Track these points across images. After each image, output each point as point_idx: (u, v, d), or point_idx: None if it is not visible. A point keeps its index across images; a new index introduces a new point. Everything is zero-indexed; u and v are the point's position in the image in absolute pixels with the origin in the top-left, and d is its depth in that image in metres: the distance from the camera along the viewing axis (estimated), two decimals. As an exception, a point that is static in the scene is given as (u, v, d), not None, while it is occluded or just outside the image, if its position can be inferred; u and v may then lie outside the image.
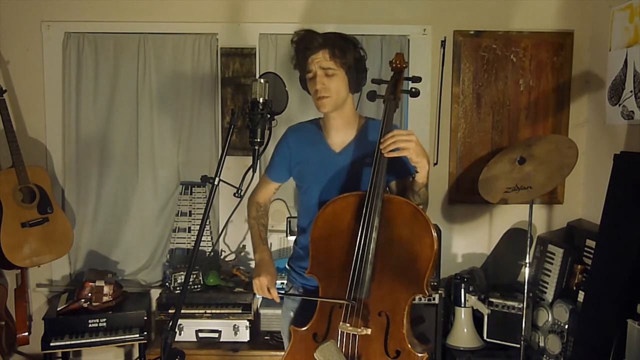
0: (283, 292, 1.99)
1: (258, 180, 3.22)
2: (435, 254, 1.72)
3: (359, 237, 1.74)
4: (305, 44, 1.89)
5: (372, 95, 1.85)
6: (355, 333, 1.74)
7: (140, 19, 3.17)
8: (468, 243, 3.31)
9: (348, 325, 1.74)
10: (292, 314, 2.07)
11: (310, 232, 1.87)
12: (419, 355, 1.71)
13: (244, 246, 3.30)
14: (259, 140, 1.86)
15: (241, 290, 3.04)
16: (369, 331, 1.74)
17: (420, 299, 2.83)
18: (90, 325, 2.91)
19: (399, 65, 1.88)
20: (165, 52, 3.19)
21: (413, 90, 1.83)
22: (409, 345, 1.72)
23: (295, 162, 2.04)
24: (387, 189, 1.95)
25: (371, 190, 1.74)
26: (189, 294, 2.99)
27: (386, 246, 1.75)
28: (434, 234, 1.72)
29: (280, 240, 3.28)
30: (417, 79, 1.85)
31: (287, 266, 2.17)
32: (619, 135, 2.84)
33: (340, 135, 1.98)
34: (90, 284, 2.94)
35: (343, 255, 1.80)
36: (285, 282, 2.87)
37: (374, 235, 1.73)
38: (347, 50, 1.87)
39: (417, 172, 1.77)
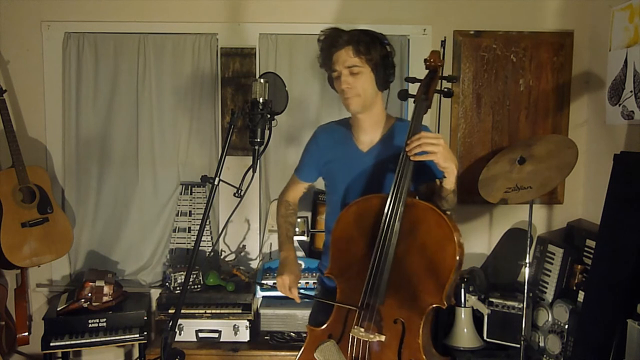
0: (304, 294, 1.97)
1: (258, 180, 3.25)
2: (457, 264, 1.64)
3: (377, 240, 1.69)
4: (330, 41, 1.86)
5: (403, 95, 1.77)
6: (367, 339, 1.71)
7: (140, 19, 3.17)
8: (468, 243, 3.30)
9: (361, 330, 1.71)
10: (316, 309, 2.09)
11: (332, 232, 1.86)
12: None
13: (244, 246, 3.30)
14: (259, 140, 1.86)
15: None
16: (382, 338, 1.70)
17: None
18: (90, 325, 2.91)
19: (433, 63, 1.78)
20: (165, 52, 3.19)
21: (446, 90, 1.76)
22: (424, 356, 1.66)
23: (323, 161, 2.03)
24: (417, 192, 1.90)
25: (394, 194, 1.68)
26: (189, 294, 2.99)
27: (406, 252, 1.69)
28: (457, 243, 1.65)
29: (280, 240, 3.28)
30: (453, 79, 1.79)
31: (318, 266, 2.18)
32: (619, 135, 2.84)
33: (369, 135, 1.95)
34: (90, 284, 2.94)
35: (362, 258, 1.75)
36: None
37: (394, 240, 1.67)
38: (372, 46, 1.82)
39: (444, 177, 1.71)
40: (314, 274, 2.99)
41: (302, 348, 1.88)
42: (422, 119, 1.75)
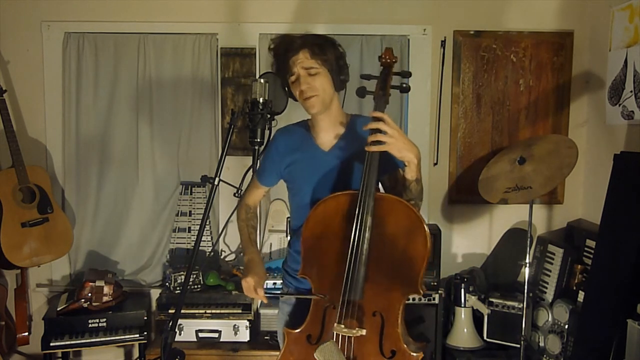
0: (270, 293, 1.97)
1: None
2: (429, 253, 1.69)
3: (352, 237, 1.71)
4: (285, 46, 1.87)
5: (361, 92, 1.79)
6: (350, 335, 1.72)
7: (140, 19, 3.17)
8: (468, 243, 3.31)
9: (342, 326, 1.72)
10: (288, 317, 2.05)
11: (302, 232, 1.85)
12: (414, 355, 1.69)
13: (244, 246, 3.29)
14: (259, 140, 1.86)
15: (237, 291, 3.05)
16: (363, 332, 1.71)
17: (420, 299, 2.83)
18: (90, 325, 2.91)
19: (388, 60, 1.83)
20: (165, 52, 3.19)
21: (403, 85, 1.78)
22: (404, 345, 1.70)
23: (284, 165, 2.01)
24: (380, 184, 1.91)
25: (363, 189, 1.70)
26: (189, 294, 2.98)
27: (379, 246, 1.72)
28: (427, 232, 1.68)
29: (281, 240, 3.28)
30: (406, 74, 1.81)
31: (282, 268, 2.16)
32: (619, 135, 2.84)
33: (329, 134, 1.96)
34: (90, 284, 2.94)
35: (335, 255, 1.76)
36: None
37: (367, 235, 1.70)
38: (326, 48, 1.86)
39: (405, 166, 1.72)
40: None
41: (281, 351, 1.87)
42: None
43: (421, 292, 1.71)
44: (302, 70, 1.85)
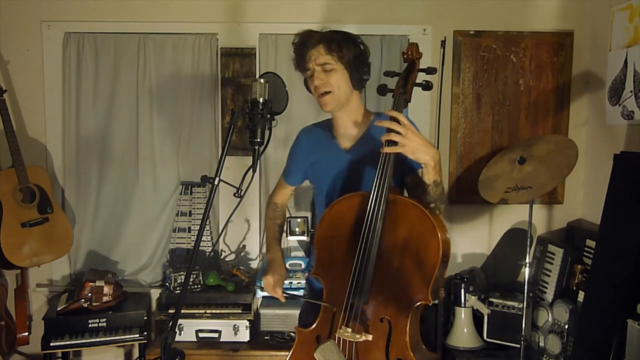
0: (287, 293, 1.99)
1: (258, 180, 3.25)
2: (441, 260, 1.62)
3: (360, 239, 1.68)
4: (303, 41, 1.88)
5: (382, 89, 1.74)
6: (352, 339, 1.69)
7: (140, 19, 3.17)
8: (468, 243, 3.31)
9: (348, 330, 1.70)
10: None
11: (315, 232, 1.84)
12: None
13: (244, 246, 3.30)
14: (259, 140, 1.85)
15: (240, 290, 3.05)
16: (369, 337, 1.69)
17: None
18: (90, 325, 2.91)
19: (411, 56, 1.75)
20: (165, 52, 3.19)
21: (425, 82, 1.72)
22: (412, 354, 1.65)
23: (308, 164, 2.03)
24: (403, 183, 1.90)
25: (375, 191, 1.67)
26: (189, 294, 2.99)
27: (389, 250, 1.68)
28: (441, 239, 1.62)
29: (282, 240, 3.28)
30: (432, 71, 1.74)
31: (307, 267, 2.18)
32: (619, 135, 2.84)
33: (349, 133, 1.95)
34: (90, 284, 2.94)
35: (346, 257, 1.74)
36: (290, 281, 2.91)
37: (376, 238, 1.66)
38: (344, 44, 1.84)
39: (422, 168, 1.69)
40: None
41: (291, 349, 1.87)
42: (402, 113, 1.71)
43: (431, 300, 1.64)
44: (317, 66, 1.85)
